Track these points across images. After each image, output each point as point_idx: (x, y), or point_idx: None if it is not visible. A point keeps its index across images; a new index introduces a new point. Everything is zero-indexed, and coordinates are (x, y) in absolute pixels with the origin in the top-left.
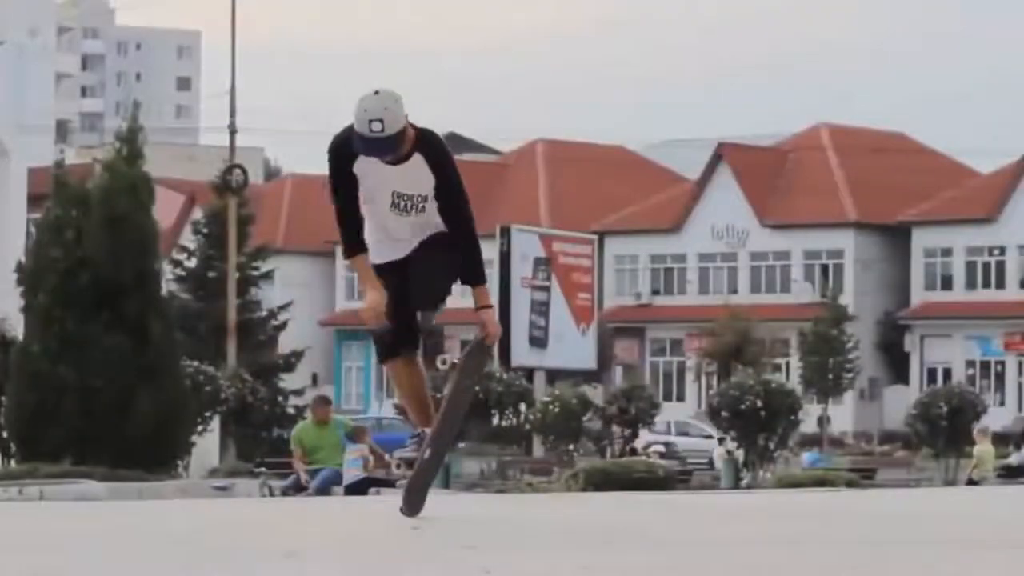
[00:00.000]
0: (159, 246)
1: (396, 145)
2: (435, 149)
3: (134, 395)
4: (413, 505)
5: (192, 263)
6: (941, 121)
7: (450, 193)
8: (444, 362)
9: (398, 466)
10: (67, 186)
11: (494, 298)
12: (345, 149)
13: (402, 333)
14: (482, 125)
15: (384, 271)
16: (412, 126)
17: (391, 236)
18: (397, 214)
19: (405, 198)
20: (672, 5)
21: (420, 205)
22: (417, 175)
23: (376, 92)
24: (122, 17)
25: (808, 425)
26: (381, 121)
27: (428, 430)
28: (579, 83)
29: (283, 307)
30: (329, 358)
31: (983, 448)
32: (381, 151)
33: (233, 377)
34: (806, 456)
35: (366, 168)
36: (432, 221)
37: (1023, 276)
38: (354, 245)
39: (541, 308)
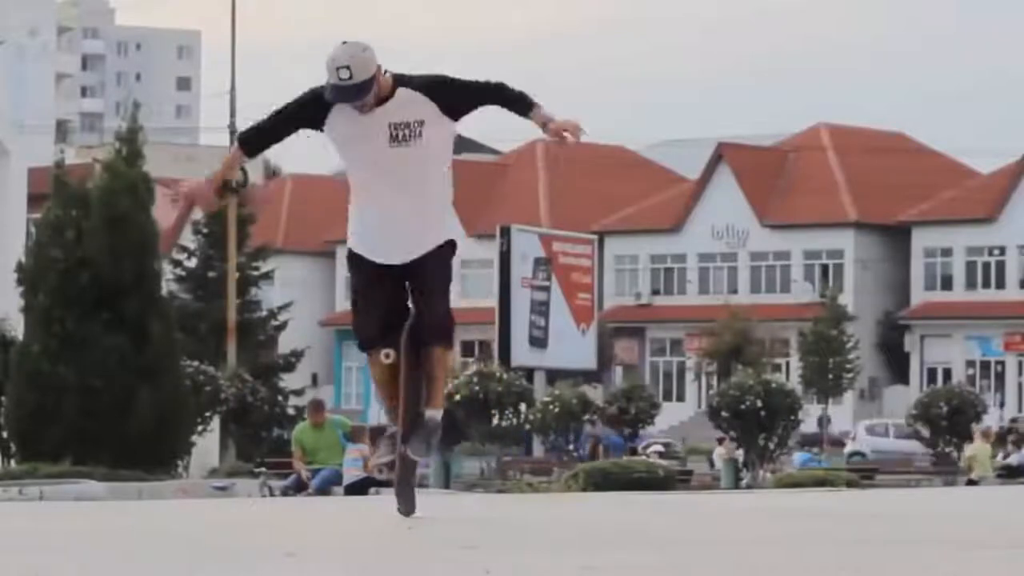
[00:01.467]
0: (159, 246)
1: (364, 91)
2: (418, 78)
3: (134, 395)
4: (407, 502)
5: (192, 263)
6: (941, 121)
7: (458, 83)
8: (388, 356)
9: (380, 471)
10: (67, 186)
11: (494, 299)
12: (319, 98)
13: (381, 329)
14: (482, 125)
15: (372, 267)
16: (391, 72)
17: (386, 185)
18: (397, 147)
19: (402, 126)
20: (672, 5)
21: (418, 130)
22: (407, 103)
23: (344, 42)
24: (122, 17)
25: (808, 425)
26: (348, 68)
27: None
28: (579, 83)
29: (283, 307)
30: (329, 358)
31: (978, 447)
32: (349, 97)
33: (233, 377)
34: (798, 456)
35: (353, 126)
36: (431, 155)
37: (1023, 276)
38: (248, 141)
39: (541, 308)
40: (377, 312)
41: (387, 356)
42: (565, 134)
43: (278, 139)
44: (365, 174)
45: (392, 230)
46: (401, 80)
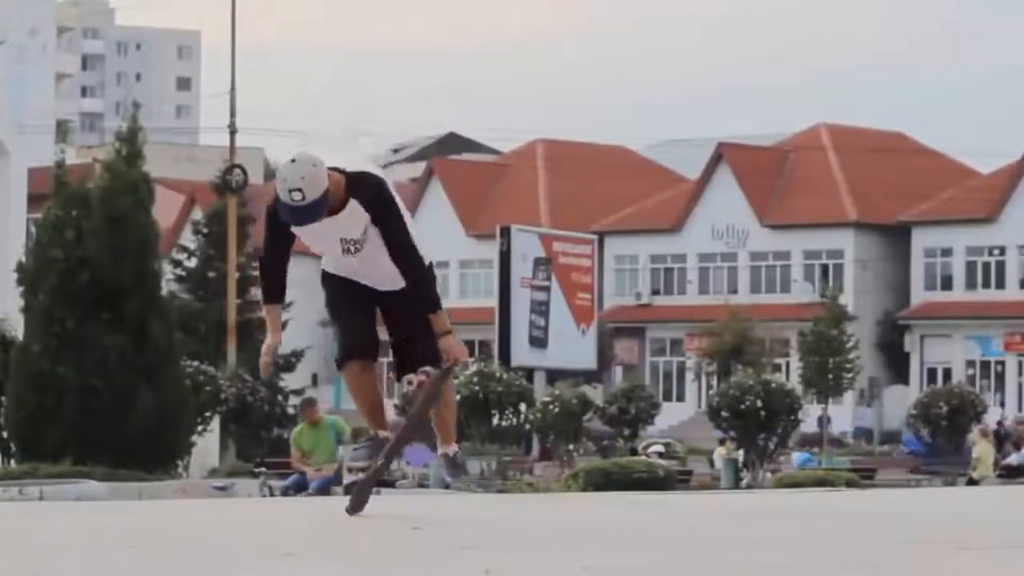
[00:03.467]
0: (159, 246)
1: (318, 208)
2: (367, 192)
3: (134, 395)
4: (357, 504)
5: (192, 263)
6: (941, 121)
7: (389, 232)
8: (410, 382)
9: (350, 470)
10: (67, 186)
11: (494, 299)
12: (278, 214)
13: (362, 339)
14: (482, 125)
15: (347, 282)
16: (343, 172)
17: (348, 269)
18: (350, 256)
19: (352, 242)
20: (672, 5)
21: (364, 239)
22: (356, 218)
23: (293, 160)
24: (122, 17)
25: (808, 425)
26: (300, 191)
27: (382, 433)
28: (579, 83)
29: (283, 307)
30: (329, 358)
31: (983, 448)
32: (304, 218)
33: (233, 377)
34: (797, 456)
35: (310, 230)
36: (379, 246)
37: (1023, 276)
38: (271, 296)
39: (541, 308)
40: (362, 317)
41: (410, 383)
42: (453, 358)
43: (284, 268)
44: (327, 260)
45: (362, 277)
46: (352, 187)
